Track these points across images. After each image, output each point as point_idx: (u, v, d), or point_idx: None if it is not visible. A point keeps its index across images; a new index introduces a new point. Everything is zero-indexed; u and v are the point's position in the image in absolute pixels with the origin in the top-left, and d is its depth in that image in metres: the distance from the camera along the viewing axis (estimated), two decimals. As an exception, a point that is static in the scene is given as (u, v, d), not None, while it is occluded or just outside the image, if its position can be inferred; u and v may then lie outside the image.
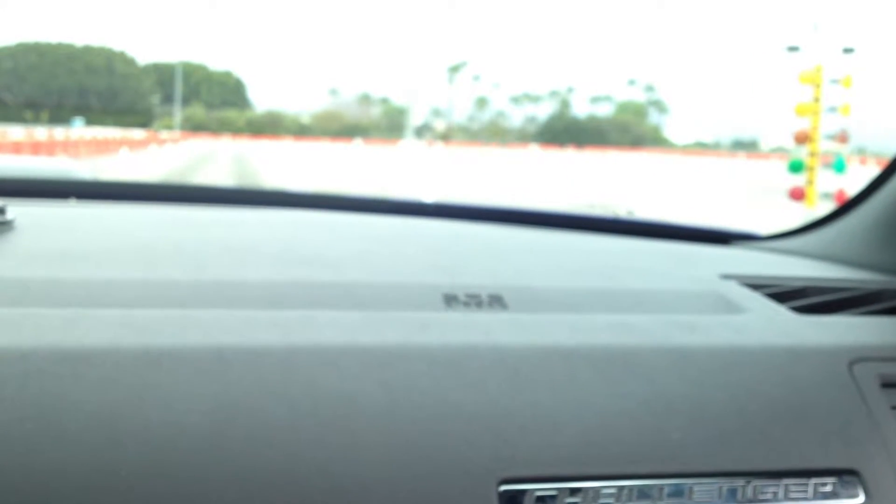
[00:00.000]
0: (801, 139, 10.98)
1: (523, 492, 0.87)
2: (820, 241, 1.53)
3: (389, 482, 0.83)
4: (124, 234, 1.23)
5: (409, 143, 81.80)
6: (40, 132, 35.50)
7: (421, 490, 0.84)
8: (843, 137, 10.83)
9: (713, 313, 1.14)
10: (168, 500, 0.78)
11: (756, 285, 1.25)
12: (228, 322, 0.93)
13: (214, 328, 0.92)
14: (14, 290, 0.95)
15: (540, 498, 0.88)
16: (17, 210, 1.22)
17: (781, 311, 1.17)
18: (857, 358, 1.07)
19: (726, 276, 1.28)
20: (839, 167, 10.64)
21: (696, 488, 0.91)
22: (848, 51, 10.87)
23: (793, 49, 11.28)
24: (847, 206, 1.48)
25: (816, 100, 10.81)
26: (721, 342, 1.06)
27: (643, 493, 0.90)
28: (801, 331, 1.12)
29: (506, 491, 0.87)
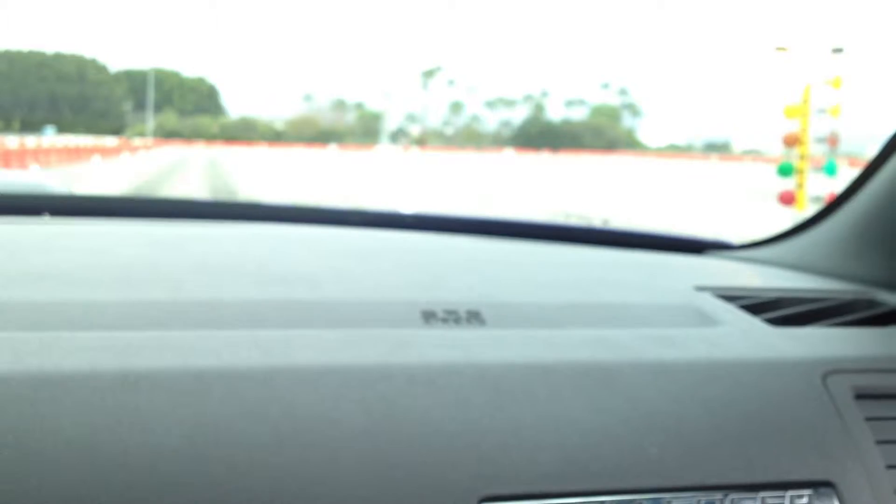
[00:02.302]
0: (790, 142, 10.79)
1: None
2: (792, 250, 1.54)
3: (371, 502, 0.83)
4: (100, 253, 1.21)
5: (384, 147, 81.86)
6: (11, 141, 35.10)
7: None
8: (833, 140, 10.65)
9: (689, 326, 1.15)
10: None
11: (730, 297, 1.26)
12: (207, 343, 0.93)
13: (193, 350, 0.91)
14: None
15: None
16: None
17: (756, 324, 1.18)
18: (831, 370, 1.08)
19: (701, 288, 1.29)
20: (830, 170, 10.44)
21: (674, 503, 0.92)
22: (837, 51, 10.72)
23: (780, 49, 11.13)
24: (819, 216, 1.49)
25: (805, 102, 10.64)
26: (697, 356, 1.06)
27: None
28: (776, 343, 1.13)
29: None
